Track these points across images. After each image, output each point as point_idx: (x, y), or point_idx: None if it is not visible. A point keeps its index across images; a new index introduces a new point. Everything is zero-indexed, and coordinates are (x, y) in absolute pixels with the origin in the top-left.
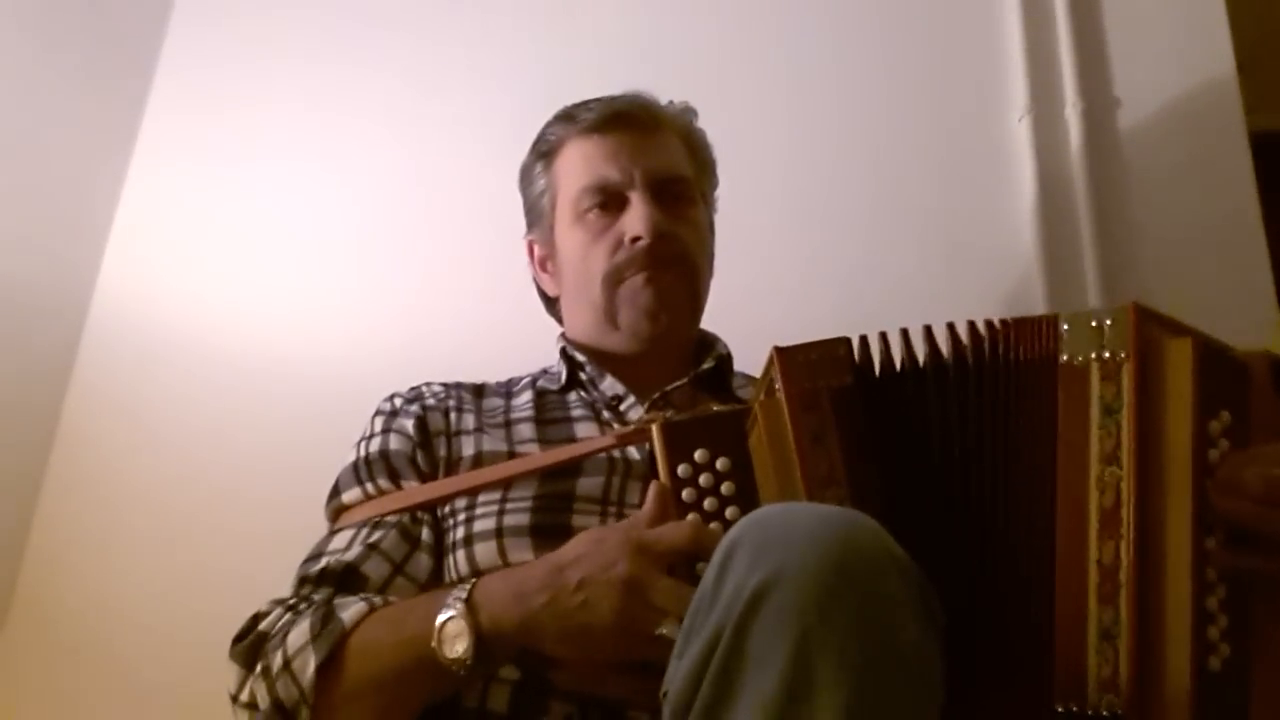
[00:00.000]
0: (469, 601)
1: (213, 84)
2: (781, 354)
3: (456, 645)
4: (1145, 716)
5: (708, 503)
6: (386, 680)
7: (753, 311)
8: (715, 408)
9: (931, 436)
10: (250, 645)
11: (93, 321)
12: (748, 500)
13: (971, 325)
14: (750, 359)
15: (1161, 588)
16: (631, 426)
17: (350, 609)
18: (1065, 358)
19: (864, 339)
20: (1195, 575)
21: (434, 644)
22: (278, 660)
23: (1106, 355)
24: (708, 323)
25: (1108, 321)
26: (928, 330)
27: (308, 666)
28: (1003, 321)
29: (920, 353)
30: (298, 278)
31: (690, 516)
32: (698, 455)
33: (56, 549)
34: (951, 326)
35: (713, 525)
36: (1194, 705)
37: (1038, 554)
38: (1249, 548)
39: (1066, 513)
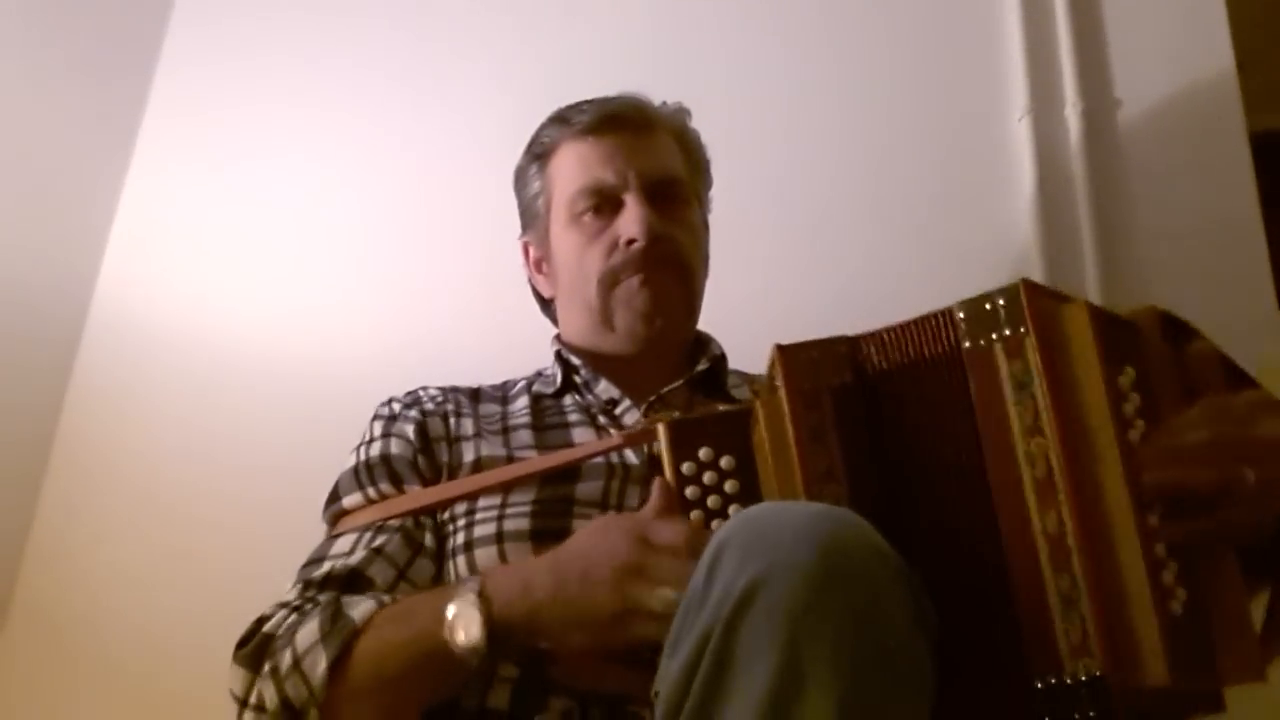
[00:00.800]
0: (480, 593)
1: (212, 84)
2: (783, 352)
3: (470, 634)
4: (1124, 671)
5: (711, 500)
6: (398, 676)
7: (753, 311)
8: (721, 407)
9: (922, 435)
10: (256, 647)
11: (93, 321)
12: (751, 498)
13: (877, 337)
14: (750, 359)
15: (1110, 544)
16: (636, 427)
17: (360, 607)
18: (967, 344)
19: (863, 337)
20: (1140, 526)
21: (446, 635)
22: (286, 660)
23: (1007, 333)
24: (707, 323)
25: (1000, 302)
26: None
27: (318, 665)
28: (901, 325)
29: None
30: (297, 278)
31: (693, 514)
32: (702, 453)
33: (56, 549)
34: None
35: (715, 523)
36: (1168, 650)
37: (987, 538)
38: (1187, 512)
39: (1002, 491)
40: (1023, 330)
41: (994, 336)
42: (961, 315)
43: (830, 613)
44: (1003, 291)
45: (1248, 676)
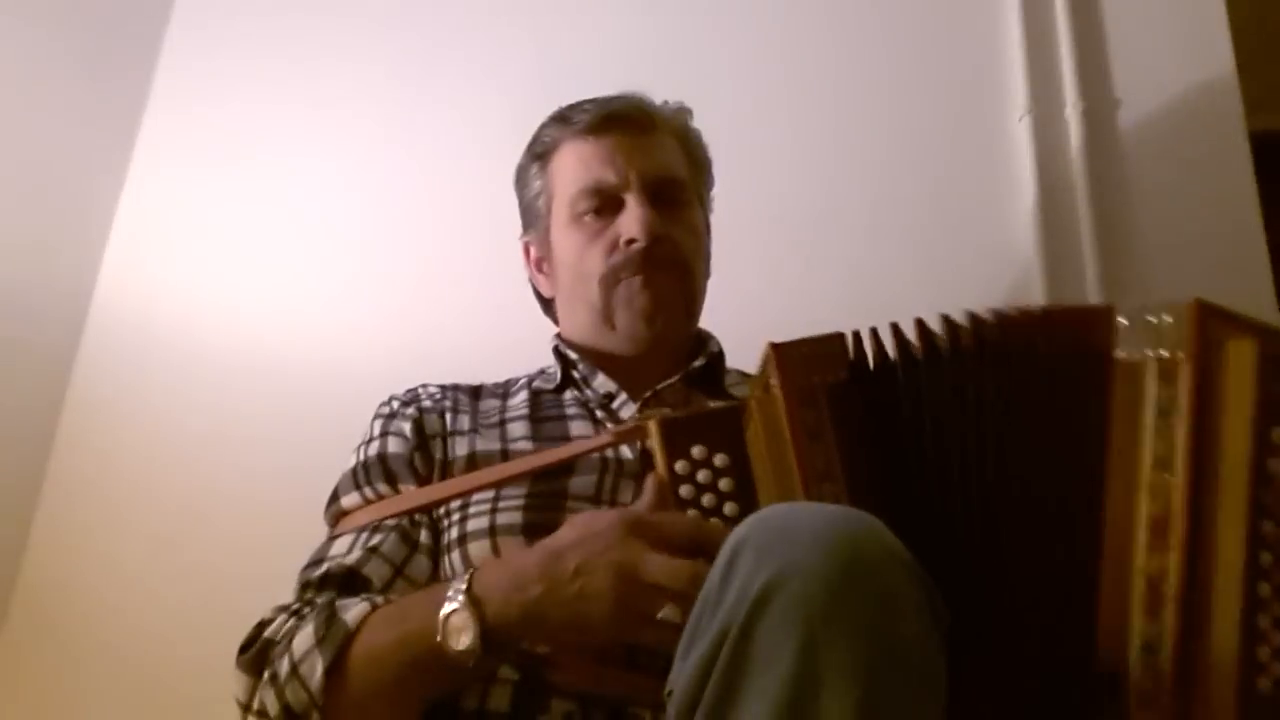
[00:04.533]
0: (470, 593)
1: (212, 83)
2: (778, 350)
3: (463, 638)
4: None
5: (706, 499)
6: (394, 678)
7: (753, 310)
8: (712, 404)
9: (926, 431)
10: (257, 653)
11: (93, 321)
12: (745, 496)
13: (978, 314)
14: (750, 357)
15: (1209, 602)
16: (628, 424)
17: (353, 610)
18: (1123, 354)
19: (857, 334)
20: (1246, 591)
21: (439, 638)
22: (285, 666)
23: (1164, 354)
24: (707, 321)
25: (1167, 318)
26: (920, 323)
27: (315, 671)
28: (1048, 309)
29: (916, 345)
30: (297, 277)
31: (688, 512)
32: (695, 451)
33: (56, 549)
34: (946, 318)
35: (711, 521)
36: None
37: (1074, 558)
38: None
39: (1115, 517)
40: (1181, 355)
41: (1149, 353)
42: (1124, 321)
43: (847, 615)
44: (1170, 306)
45: None
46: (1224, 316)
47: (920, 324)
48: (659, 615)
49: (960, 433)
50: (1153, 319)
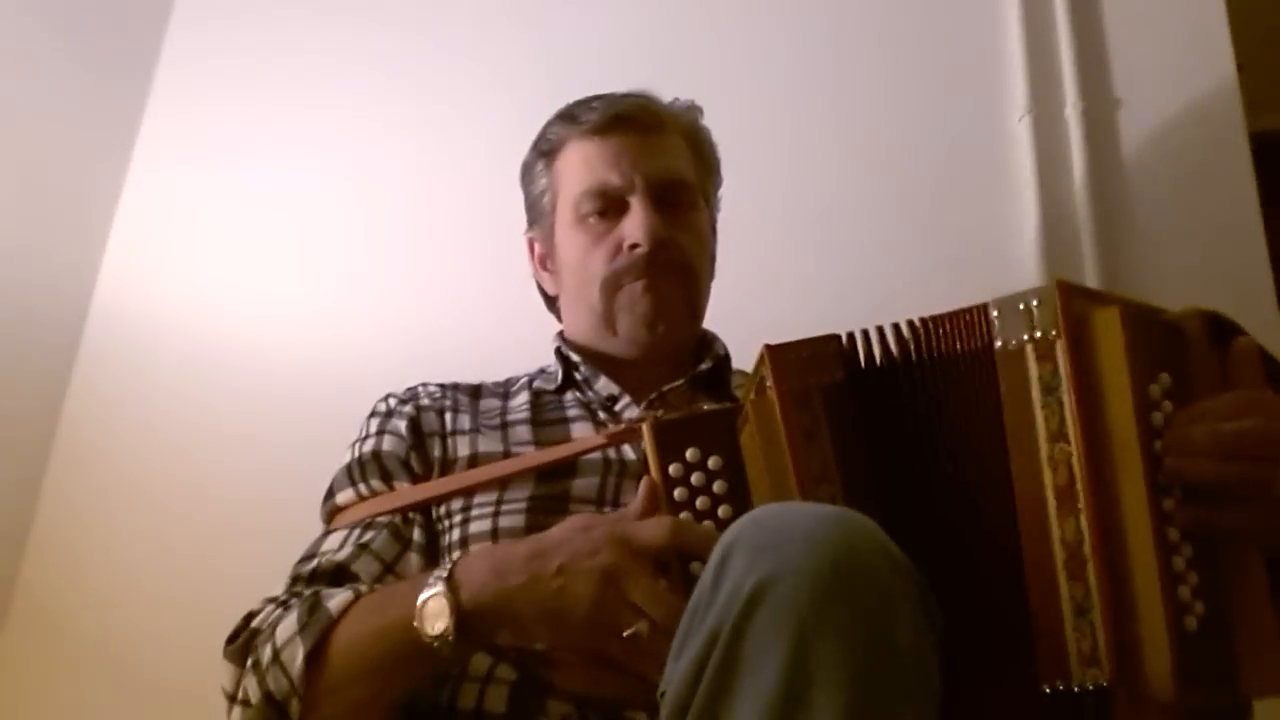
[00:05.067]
0: (449, 579)
1: (212, 83)
2: (772, 352)
3: (437, 623)
4: (1130, 684)
5: (700, 501)
6: (373, 665)
7: (753, 311)
8: (706, 406)
9: (920, 432)
10: (243, 643)
11: (93, 321)
12: (740, 498)
13: (906, 325)
14: (750, 358)
15: (1125, 556)
16: (622, 426)
17: (336, 598)
18: (999, 343)
19: (852, 335)
20: (1157, 538)
21: (416, 623)
22: (267, 653)
23: (1039, 335)
24: (708, 321)
25: (1035, 302)
26: (895, 328)
27: (296, 657)
28: (934, 318)
29: (895, 349)
30: (297, 277)
31: (682, 515)
32: (689, 454)
33: (56, 549)
34: (896, 326)
35: (705, 524)
36: (1176, 666)
37: (1005, 540)
38: (1206, 504)
39: (1025, 495)
40: (1054, 333)
41: (1025, 337)
42: (995, 313)
43: (839, 615)
44: (1038, 291)
45: (1275, 689)
46: (1086, 293)
47: (912, 325)
48: (626, 632)
49: (948, 435)
50: (1023, 305)
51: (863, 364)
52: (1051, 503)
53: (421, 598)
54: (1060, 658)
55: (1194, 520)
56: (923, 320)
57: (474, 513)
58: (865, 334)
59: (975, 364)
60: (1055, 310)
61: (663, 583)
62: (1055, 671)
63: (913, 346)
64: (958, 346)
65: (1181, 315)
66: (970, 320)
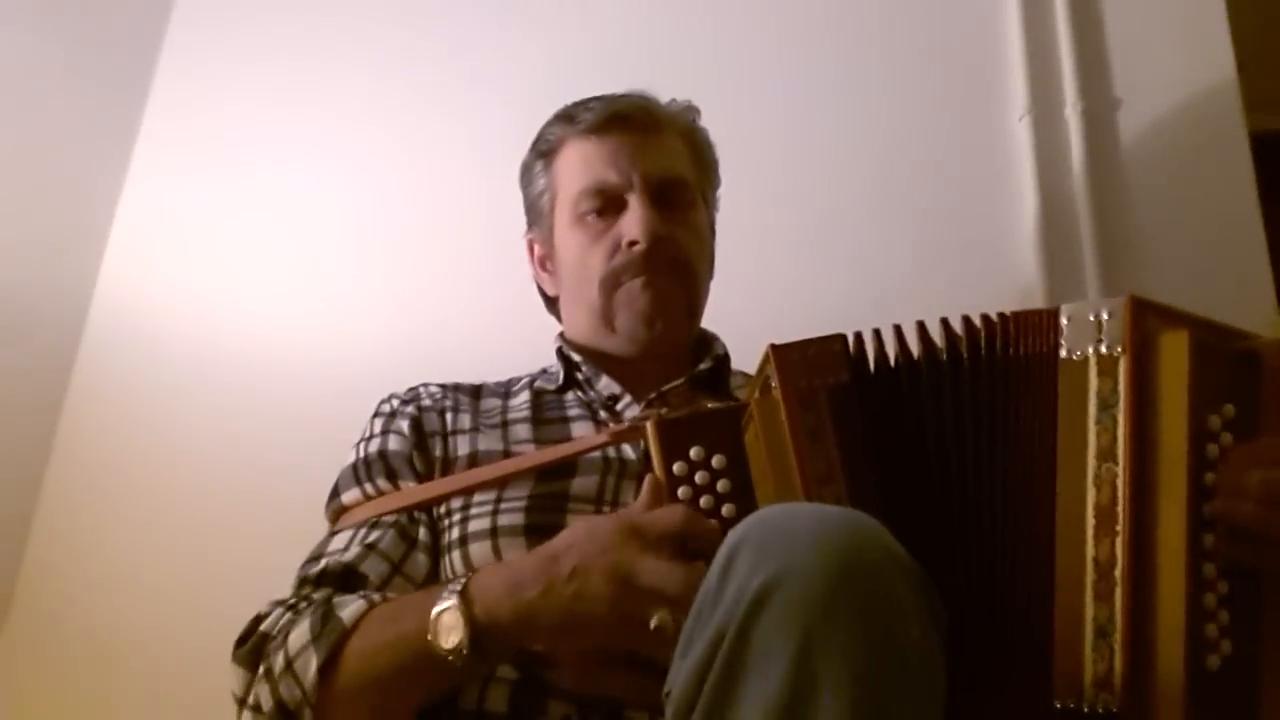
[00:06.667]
0: (464, 593)
1: (212, 85)
2: (778, 351)
3: (451, 636)
4: (1139, 714)
5: (704, 500)
6: (386, 676)
7: (753, 310)
8: (710, 405)
9: (928, 433)
10: (252, 648)
11: (93, 321)
12: (744, 497)
13: (967, 320)
14: (750, 358)
15: (1154, 585)
16: (625, 425)
17: (349, 607)
18: (1064, 352)
19: (859, 335)
20: (1190, 572)
21: (430, 636)
22: (280, 661)
23: (1104, 350)
24: (707, 321)
25: (1105, 315)
26: (921, 326)
27: (309, 667)
28: (1001, 315)
29: (915, 349)
30: (297, 278)
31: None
32: (693, 453)
33: (56, 549)
34: (945, 322)
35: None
36: (1188, 703)
37: (1035, 551)
38: (1250, 544)
39: (1065, 509)
40: (1119, 350)
41: (1090, 350)
42: (1066, 320)
43: (845, 615)
44: (1110, 303)
45: None
46: (1159, 310)
47: (922, 327)
48: (652, 624)
49: (958, 436)
50: (1093, 316)
51: (871, 365)
52: (1090, 520)
53: (436, 610)
54: (1075, 676)
55: (1234, 559)
56: (985, 317)
57: (473, 511)
58: (877, 334)
59: (1037, 368)
60: (1123, 326)
61: (674, 562)
62: (1069, 690)
63: (965, 343)
64: (1021, 349)
65: (1263, 344)
66: (1039, 323)
